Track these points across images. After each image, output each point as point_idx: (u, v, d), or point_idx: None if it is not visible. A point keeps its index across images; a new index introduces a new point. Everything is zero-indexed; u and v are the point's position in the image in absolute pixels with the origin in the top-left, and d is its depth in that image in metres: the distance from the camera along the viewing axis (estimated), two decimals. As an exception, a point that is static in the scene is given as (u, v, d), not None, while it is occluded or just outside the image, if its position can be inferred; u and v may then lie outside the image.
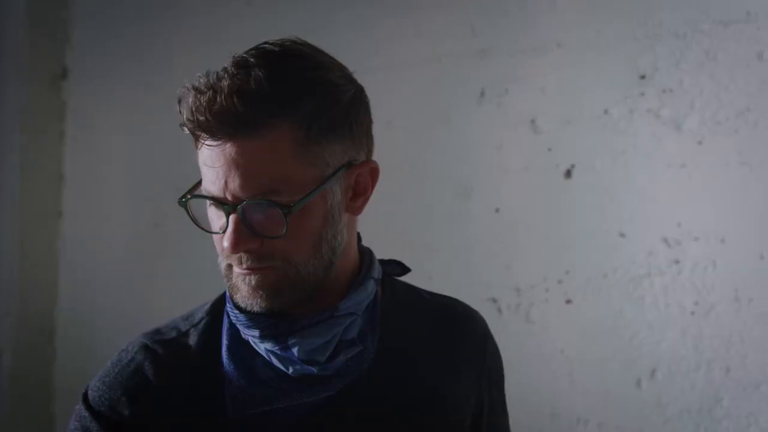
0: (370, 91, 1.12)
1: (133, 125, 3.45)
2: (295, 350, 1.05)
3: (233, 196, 0.97)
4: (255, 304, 1.03)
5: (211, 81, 0.95)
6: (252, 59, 0.98)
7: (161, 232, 3.38)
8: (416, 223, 2.66)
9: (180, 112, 0.98)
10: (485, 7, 2.56)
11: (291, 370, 1.06)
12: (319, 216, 1.02)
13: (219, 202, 0.98)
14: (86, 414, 1.06)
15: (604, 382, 2.34)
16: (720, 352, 2.18)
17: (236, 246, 0.98)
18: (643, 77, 2.27)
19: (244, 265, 1.01)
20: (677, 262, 2.23)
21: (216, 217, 1.02)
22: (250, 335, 1.07)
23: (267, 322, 1.05)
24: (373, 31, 2.77)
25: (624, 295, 2.31)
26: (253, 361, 1.07)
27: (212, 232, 1.04)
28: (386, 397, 1.12)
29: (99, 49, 3.55)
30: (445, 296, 1.32)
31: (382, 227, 2.26)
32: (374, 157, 1.12)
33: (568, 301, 2.40)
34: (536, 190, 2.47)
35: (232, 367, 1.07)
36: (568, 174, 2.41)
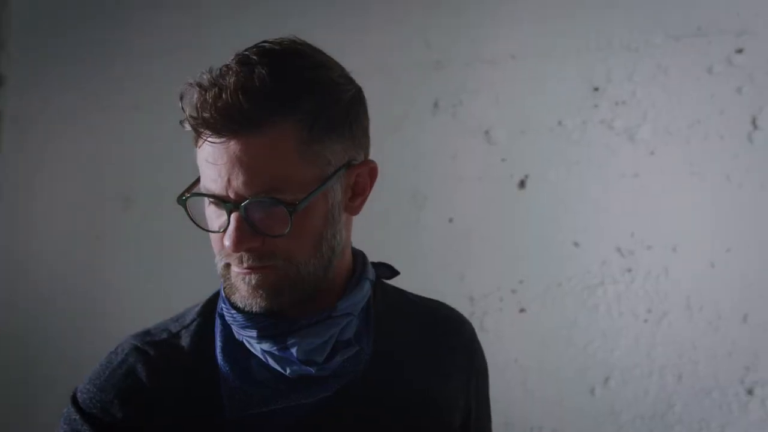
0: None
1: (72, 134, 3.36)
2: (293, 350, 1.04)
3: (236, 194, 0.95)
4: (254, 304, 1.01)
5: (216, 78, 0.94)
6: (254, 57, 0.97)
7: (102, 243, 3.30)
8: (370, 231, 2.64)
9: (182, 108, 0.96)
10: (439, 19, 2.58)
11: (288, 370, 1.04)
12: (320, 215, 1.01)
13: (220, 200, 0.96)
14: (77, 417, 1.03)
15: (558, 390, 2.36)
16: (672, 358, 2.22)
17: (238, 245, 0.96)
18: (596, 89, 2.31)
19: (245, 265, 0.99)
20: (630, 270, 2.27)
21: (215, 216, 1.01)
22: (247, 336, 1.05)
23: (265, 322, 1.03)
24: (326, 40, 2.75)
25: (578, 304, 2.34)
26: (248, 363, 1.06)
27: (211, 231, 1.02)
28: (381, 398, 1.11)
29: (36, 56, 3.45)
30: (431, 299, 1.32)
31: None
32: None
33: (522, 310, 2.42)
34: (490, 200, 2.49)
35: (227, 368, 1.05)
36: (522, 184, 2.44)
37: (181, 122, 0.98)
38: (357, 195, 1.09)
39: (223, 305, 1.08)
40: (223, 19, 2.95)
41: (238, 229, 0.96)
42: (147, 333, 1.12)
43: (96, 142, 3.26)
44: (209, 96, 0.93)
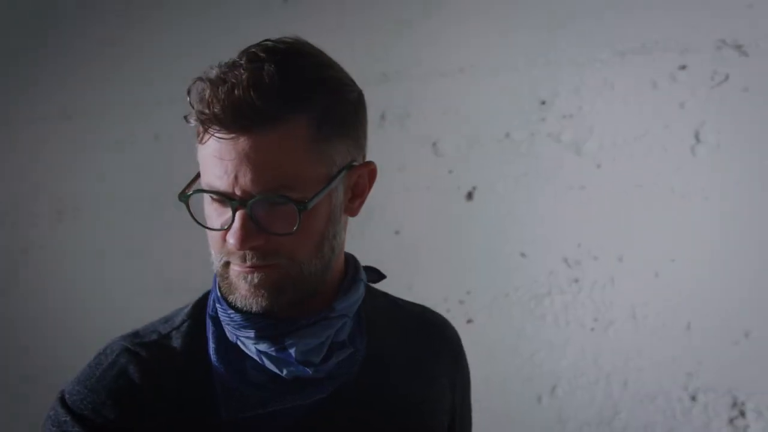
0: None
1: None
2: (292, 351, 1.03)
3: (243, 191, 0.95)
4: (254, 304, 1.00)
5: (226, 73, 0.94)
6: (262, 54, 0.96)
7: (29, 260, 3.20)
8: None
9: (190, 103, 0.95)
10: (387, 31, 2.60)
11: (285, 371, 1.03)
12: (324, 215, 1.01)
13: (226, 197, 0.95)
14: (66, 418, 1.00)
15: (506, 400, 2.39)
16: (618, 366, 2.27)
17: (243, 242, 0.96)
18: (543, 103, 2.36)
19: (248, 263, 0.98)
20: (577, 280, 2.32)
21: (216, 214, 0.99)
22: (244, 336, 1.04)
23: (263, 322, 1.02)
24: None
25: (525, 314, 2.38)
26: (242, 364, 1.05)
27: (213, 229, 1.00)
28: (371, 402, 1.12)
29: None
30: (416, 303, 1.33)
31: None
32: None
33: (470, 321, 2.44)
34: (437, 212, 2.51)
35: (222, 369, 1.04)
36: (470, 196, 2.47)
37: (186, 117, 0.97)
38: (356, 196, 1.09)
39: (218, 306, 1.06)
40: (155, 24, 2.91)
41: (244, 226, 0.95)
42: (136, 334, 1.10)
43: (23, 152, 3.17)
44: (221, 91, 0.92)
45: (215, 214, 0.99)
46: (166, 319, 1.13)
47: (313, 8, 2.70)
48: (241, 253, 0.98)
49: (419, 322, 1.27)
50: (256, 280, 0.99)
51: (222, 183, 0.95)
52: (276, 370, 1.03)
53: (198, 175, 1.01)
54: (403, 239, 2.56)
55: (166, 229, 2.79)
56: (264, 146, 0.94)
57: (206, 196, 0.99)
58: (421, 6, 2.52)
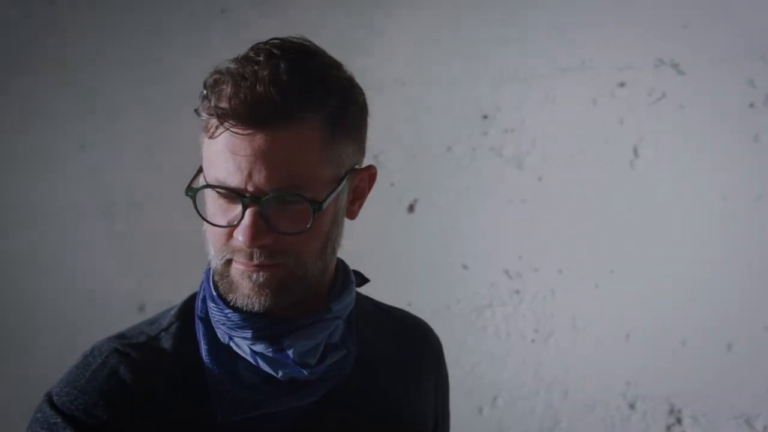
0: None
1: None
2: (290, 352, 1.01)
3: (255, 188, 0.93)
4: (257, 303, 0.98)
5: (245, 68, 0.93)
6: (277, 51, 0.95)
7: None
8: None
9: (207, 97, 0.94)
10: (328, 42, 2.59)
11: (281, 373, 1.02)
12: (331, 216, 1.01)
13: (237, 193, 0.94)
14: (57, 420, 0.97)
15: (447, 411, 2.39)
16: (559, 377, 2.31)
17: (254, 240, 0.94)
18: (486, 117, 2.40)
19: (255, 261, 0.96)
20: (518, 292, 2.35)
21: (221, 210, 0.97)
22: (240, 337, 1.02)
23: (262, 322, 1.00)
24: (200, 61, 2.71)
25: (467, 326, 2.39)
26: (235, 365, 1.03)
27: (219, 226, 0.98)
28: (362, 404, 1.12)
29: None
30: (398, 308, 1.33)
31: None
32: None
33: (411, 333, 2.44)
34: (379, 224, 2.50)
35: (215, 370, 1.02)
36: (411, 208, 2.48)
37: (197, 110, 0.95)
38: (356, 199, 1.10)
39: (211, 305, 1.04)
40: (85, 33, 2.84)
41: (255, 224, 0.93)
42: (122, 336, 1.07)
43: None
44: (243, 86, 0.91)
45: (220, 211, 0.97)
46: (152, 321, 1.10)
47: (251, 18, 2.68)
48: (249, 251, 0.96)
49: (403, 326, 1.28)
50: (261, 279, 0.97)
51: (234, 179, 0.93)
52: (271, 372, 1.02)
53: (200, 170, 0.99)
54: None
55: (90, 239, 2.72)
56: (280, 144, 0.93)
57: (210, 192, 0.97)
58: (364, 19, 2.53)
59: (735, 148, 2.15)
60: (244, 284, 0.98)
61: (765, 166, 2.12)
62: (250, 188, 0.93)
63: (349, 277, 1.15)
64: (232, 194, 0.94)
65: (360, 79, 2.51)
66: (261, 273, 0.97)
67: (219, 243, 0.99)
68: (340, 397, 1.08)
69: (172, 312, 1.10)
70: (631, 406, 2.24)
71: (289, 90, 0.92)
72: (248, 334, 1.01)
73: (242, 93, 0.91)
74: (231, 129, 0.92)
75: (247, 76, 0.92)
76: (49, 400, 0.99)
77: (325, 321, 1.04)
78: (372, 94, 2.49)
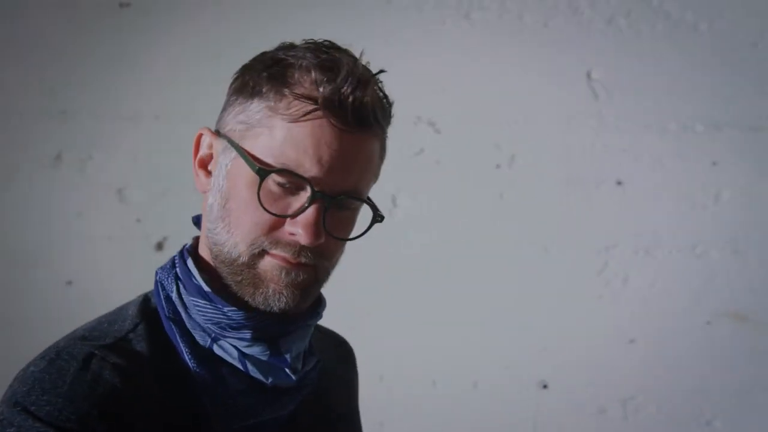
0: None
1: None
2: (288, 356, 0.97)
3: (328, 185, 0.92)
4: (282, 301, 0.94)
5: (353, 66, 0.94)
6: (352, 56, 0.97)
7: None
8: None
9: (315, 81, 0.92)
10: (71, 69, 2.42)
11: (270, 379, 0.96)
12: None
13: (311, 185, 0.90)
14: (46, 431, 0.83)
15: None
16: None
17: (318, 237, 0.92)
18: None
19: (302, 259, 0.93)
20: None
21: (272, 197, 0.92)
22: (235, 338, 0.95)
23: (265, 322, 0.95)
24: None
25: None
26: (219, 371, 0.95)
27: (280, 215, 0.92)
28: (325, 414, 1.11)
29: None
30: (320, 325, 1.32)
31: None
32: None
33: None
34: (121, 262, 2.36)
35: (204, 375, 0.94)
36: (160, 246, 2.37)
37: (288, 89, 0.93)
38: None
39: (202, 302, 0.96)
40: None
41: (319, 222, 0.91)
42: (85, 338, 0.95)
43: None
44: (351, 82, 0.91)
45: (271, 197, 0.92)
46: (108, 322, 0.99)
47: None
48: (298, 247, 0.92)
49: (335, 341, 1.27)
50: (299, 278, 0.94)
51: (311, 170, 0.90)
52: (260, 377, 0.96)
53: (231, 144, 0.96)
54: (75, 290, 2.36)
55: None
56: (362, 148, 0.94)
57: (277, 177, 0.92)
58: (121, 49, 2.40)
59: (483, 203, 2.33)
60: (278, 279, 0.93)
61: (507, 221, 2.32)
62: (325, 184, 0.91)
63: None
64: (300, 184, 0.91)
65: (107, 109, 2.40)
66: (300, 271, 0.94)
67: (258, 231, 0.93)
68: (308, 406, 1.05)
69: (130, 312, 1.01)
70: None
71: (382, 100, 0.96)
72: (247, 334, 0.95)
73: (349, 89, 0.91)
74: (331, 119, 0.90)
75: (358, 76, 0.92)
76: (24, 409, 0.85)
77: (309, 326, 1.02)
78: (120, 124, 2.39)
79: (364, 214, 1.00)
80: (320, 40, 0.99)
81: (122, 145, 2.40)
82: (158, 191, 2.38)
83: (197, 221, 1.12)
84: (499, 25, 2.31)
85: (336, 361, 1.22)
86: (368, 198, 1.01)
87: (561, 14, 2.29)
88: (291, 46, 0.98)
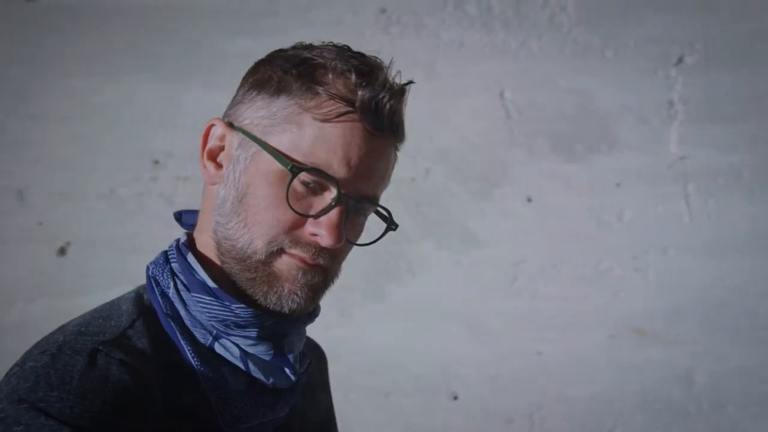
0: None
1: None
2: (290, 356, 0.96)
3: (354, 188, 0.92)
4: (296, 301, 0.92)
5: (378, 70, 0.95)
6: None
7: None
8: None
9: (354, 84, 0.92)
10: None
11: (272, 380, 0.95)
12: None
13: (338, 187, 0.90)
14: (61, 430, 0.78)
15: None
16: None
17: (340, 239, 0.91)
18: (157, 162, 2.32)
19: (320, 260, 0.93)
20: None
21: (296, 195, 0.91)
22: (239, 336, 0.92)
23: (271, 320, 0.93)
24: None
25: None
26: (220, 370, 0.93)
27: (305, 215, 0.91)
28: (311, 417, 1.10)
29: None
30: None
31: None
32: None
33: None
34: (21, 266, 2.27)
35: (209, 375, 0.91)
36: (63, 251, 2.29)
37: (326, 90, 0.92)
38: None
39: (207, 299, 0.93)
40: None
41: (342, 224, 0.91)
42: (83, 333, 0.90)
43: None
44: (386, 88, 0.92)
45: (295, 196, 0.91)
46: (103, 318, 0.94)
47: None
48: (317, 247, 0.91)
49: (310, 343, 1.25)
50: (315, 279, 0.93)
51: (340, 171, 0.90)
52: (261, 378, 0.94)
53: (255, 140, 0.93)
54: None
55: None
56: (386, 155, 0.95)
57: (303, 175, 0.91)
58: (28, 44, 2.31)
59: (399, 215, 2.32)
60: (294, 279, 0.92)
61: (422, 233, 2.36)
62: (350, 187, 0.91)
63: None
64: (326, 185, 0.90)
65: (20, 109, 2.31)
66: (316, 273, 0.93)
67: (279, 229, 0.91)
68: (299, 409, 1.04)
69: (124, 308, 0.95)
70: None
71: (403, 112, 0.98)
72: (252, 333, 0.93)
73: (387, 96, 0.92)
74: (365, 123, 0.91)
75: (388, 80, 0.93)
76: (32, 405, 0.79)
77: (305, 325, 1.01)
78: (25, 124, 2.30)
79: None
80: (340, 44, 0.98)
81: (25, 148, 2.31)
82: (62, 194, 2.30)
83: (179, 217, 1.08)
84: (416, 42, 2.35)
85: (316, 362, 1.20)
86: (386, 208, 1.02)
87: (477, 33, 2.35)
88: (311, 47, 0.97)
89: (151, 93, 2.32)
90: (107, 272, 2.26)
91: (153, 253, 2.22)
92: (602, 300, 2.30)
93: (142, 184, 2.31)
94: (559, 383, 2.29)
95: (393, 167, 1.00)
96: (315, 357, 1.22)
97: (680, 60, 2.33)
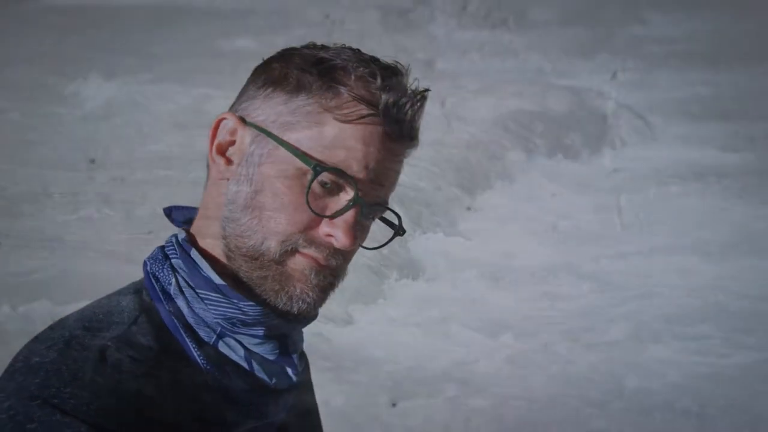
0: None
1: None
2: (294, 356, 0.93)
3: (369, 190, 0.89)
4: (306, 302, 0.89)
5: (401, 77, 0.92)
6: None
7: None
8: None
9: (379, 87, 0.90)
10: None
11: (274, 380, 0.92)
12: None
13: (355, 188, 0.87)
14: (80, 428, 0.75)
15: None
16: None
17: (354, 241, 0.88)
18: (93, 161, 2.28)
19: (333, 261, 0.90)
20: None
21: (313, 195, 0.89)
22: (246, 334, 0.90)
23: (278, 319, 0.90)
24: None
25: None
26: (224, 369, 0.90)
27: (319, 215, 0.89)
28: (305, 417, 1.07)
29: None
30: None
31: None
32: None
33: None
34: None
35: (216, 373, 0.89)
36: (-6, 250, 2.22)
37: (348, 90, 0.90)
38: None
39: (215, 296, 0.90)
40: None
41: (355, 226, 0.88)
42: (87, 328, 0.86)
43: None
44: (408, 95, 0.90)
45: (312, 195, 0.88)
46: (104, 313, 0.89)
47: None
48: (331, 248, 0.89)
49: None
50: (326, 280, 0.90)
51: (359, 173, 0.88)
52: (264, 377, 0.91)
53: (273, 137, 0.90)
54: None
55: None
56: (399, 160, 0.93)
57: (321, 175, 0.88)
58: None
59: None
60: (306, 279, 0.89)
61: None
62: (365, 189, 0.89)
63: None
64: (343, 186, 0.88)
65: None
66: (327, 273, 0.90)
67: (295, 228, 0.88)
68: (295, 409, 1.01)
69: (124, 304, 0.90)
70: None
71: (421, 118, 0.95)
72: (259, 331, 0.90)
73: (409, 102, 0.90)
74: (386, 127, 0.89)
75: (411, 87, 0.91)
76: (46, 402, 0.76)
77: (302, 324, 0.98)
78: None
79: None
80: (351, 47, 0.96)
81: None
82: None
83: (169, 213, 1.02)
84: (417, 41, 2.38)
85: (303, 363, 1.19)
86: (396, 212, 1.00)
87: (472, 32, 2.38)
88: (325, 47, 0.94)
89: (89, 88, 2.29)
90: (36, 270, 2.21)
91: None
92: (539, 308, 2.35)
93: (78, 185, 2.27)
94: (499, 384, 2.33)
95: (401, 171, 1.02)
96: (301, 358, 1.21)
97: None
